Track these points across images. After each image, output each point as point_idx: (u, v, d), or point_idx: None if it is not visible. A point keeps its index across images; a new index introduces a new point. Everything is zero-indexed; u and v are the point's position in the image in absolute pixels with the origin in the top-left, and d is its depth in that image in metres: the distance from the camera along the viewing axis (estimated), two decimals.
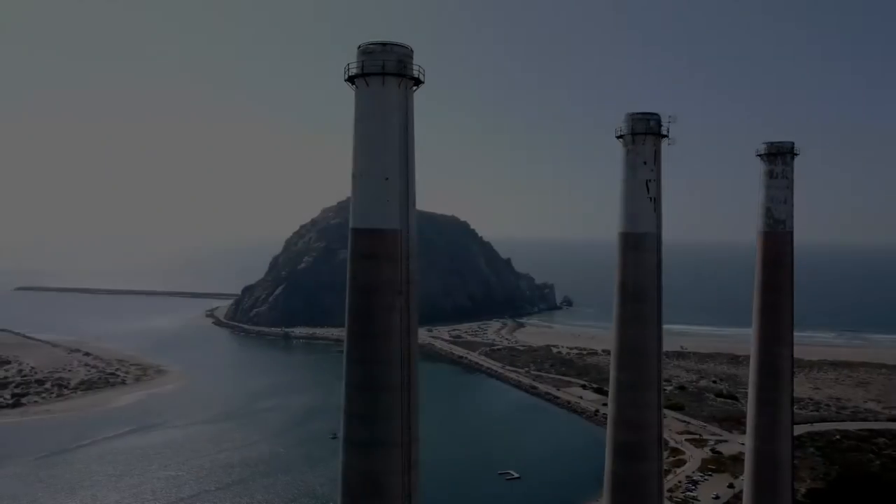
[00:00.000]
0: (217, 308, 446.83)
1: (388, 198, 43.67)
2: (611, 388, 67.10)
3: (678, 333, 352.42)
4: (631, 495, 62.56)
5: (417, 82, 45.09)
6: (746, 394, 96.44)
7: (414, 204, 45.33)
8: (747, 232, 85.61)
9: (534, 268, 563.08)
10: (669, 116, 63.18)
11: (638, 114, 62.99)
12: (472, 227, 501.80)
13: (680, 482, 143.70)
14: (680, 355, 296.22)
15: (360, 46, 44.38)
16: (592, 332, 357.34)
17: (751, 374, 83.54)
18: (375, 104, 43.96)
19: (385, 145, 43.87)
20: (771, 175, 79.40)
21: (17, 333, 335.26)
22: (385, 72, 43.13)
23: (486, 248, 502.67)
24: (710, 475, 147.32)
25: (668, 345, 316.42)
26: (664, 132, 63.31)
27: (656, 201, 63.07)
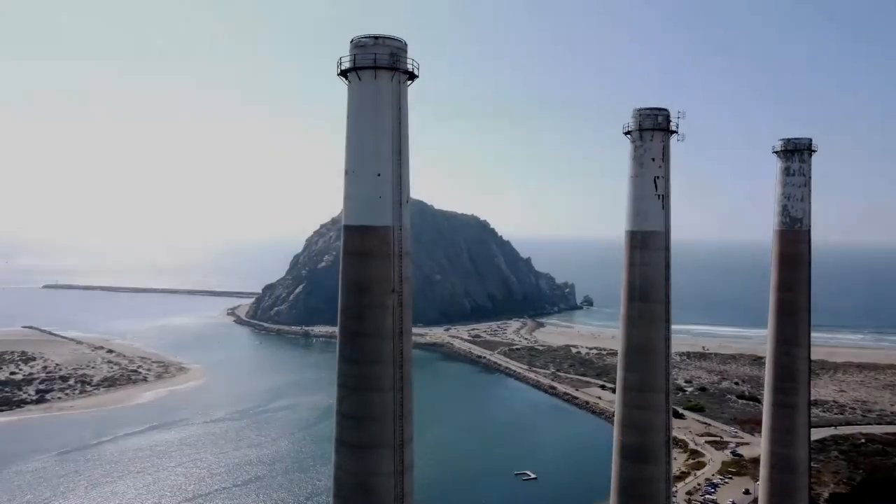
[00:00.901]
0: (238, 306, 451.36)
1: (381, 194, 42.83)
2: (617, 389, 65.73)
3: (700, 334, 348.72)
4: (636, 498, 61.07)
5: (411, 76, 44.11)
6: None
7: (408, 200, 44.37)
8: (765, 230, 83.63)
9: (554, 267, 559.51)
10: (679, 112, 61.52)
11: (646, 109, 61.31)
12: (491, 226, 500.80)
13: (699, 485, 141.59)
14: (702, 356, 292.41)
15: (352, 40, 43.53)
16: (612, 332, 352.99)
17: (766, 376, 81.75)
18: (367, 98, 43.16)
19: (377, 141, 43.03)
20: (787, 172, 77.57)
21: (44, 331, 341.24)
22: (377, 65, 42.30)
23: (505, 247, 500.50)
24: (730, 478, 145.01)
25: (690, 346, 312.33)
26: (673, 128, 61.68)
27: (665, 199, 61.53)
